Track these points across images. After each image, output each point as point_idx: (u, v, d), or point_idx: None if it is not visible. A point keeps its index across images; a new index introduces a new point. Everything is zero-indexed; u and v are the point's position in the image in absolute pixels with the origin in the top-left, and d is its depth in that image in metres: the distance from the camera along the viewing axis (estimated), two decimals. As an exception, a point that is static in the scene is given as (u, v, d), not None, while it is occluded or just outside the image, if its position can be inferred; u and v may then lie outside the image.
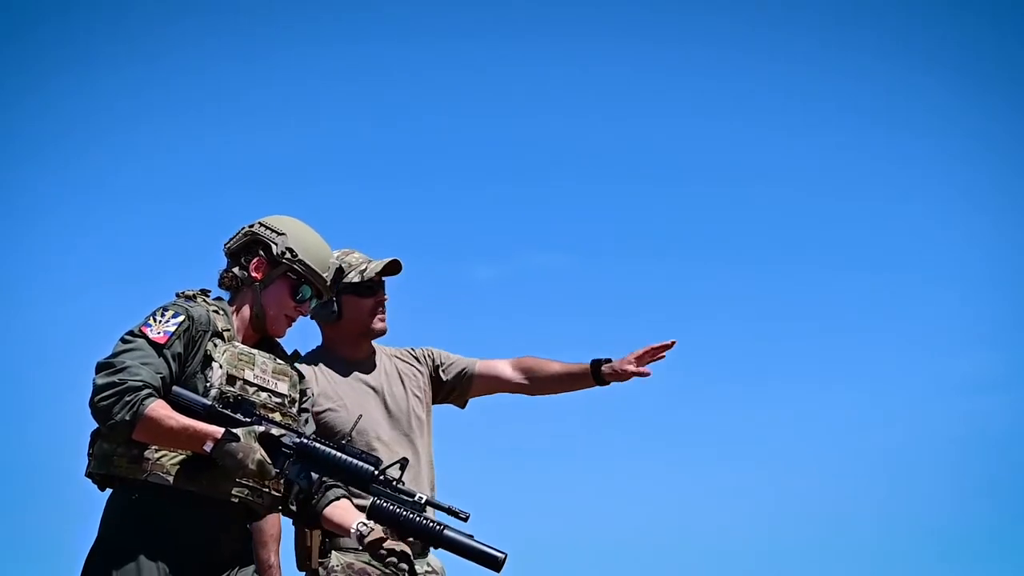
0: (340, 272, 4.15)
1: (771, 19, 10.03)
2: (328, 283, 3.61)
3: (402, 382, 4.29)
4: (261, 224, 3.56)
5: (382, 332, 4.26)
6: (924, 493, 9.04)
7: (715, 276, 10.01)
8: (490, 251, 9.85)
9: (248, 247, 3.54)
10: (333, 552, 4.00)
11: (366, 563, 3.98)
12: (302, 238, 3.56)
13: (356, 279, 4.18)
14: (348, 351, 4.26)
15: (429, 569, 4.12)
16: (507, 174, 10.32)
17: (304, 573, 4.06)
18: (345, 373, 4.23)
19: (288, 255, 3.51)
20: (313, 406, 4.05)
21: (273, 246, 3.51)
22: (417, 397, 4.29)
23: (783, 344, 9.95)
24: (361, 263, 4.22)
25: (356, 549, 3.94)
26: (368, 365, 4.28)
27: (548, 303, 9.85)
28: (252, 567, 3.49)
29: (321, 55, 9.90)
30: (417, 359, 4.38)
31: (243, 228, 3.58)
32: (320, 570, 4.00)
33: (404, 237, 9.48)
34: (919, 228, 10.03)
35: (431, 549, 4.12)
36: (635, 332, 9.80)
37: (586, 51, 10.15)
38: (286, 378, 3.53)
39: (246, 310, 3.54)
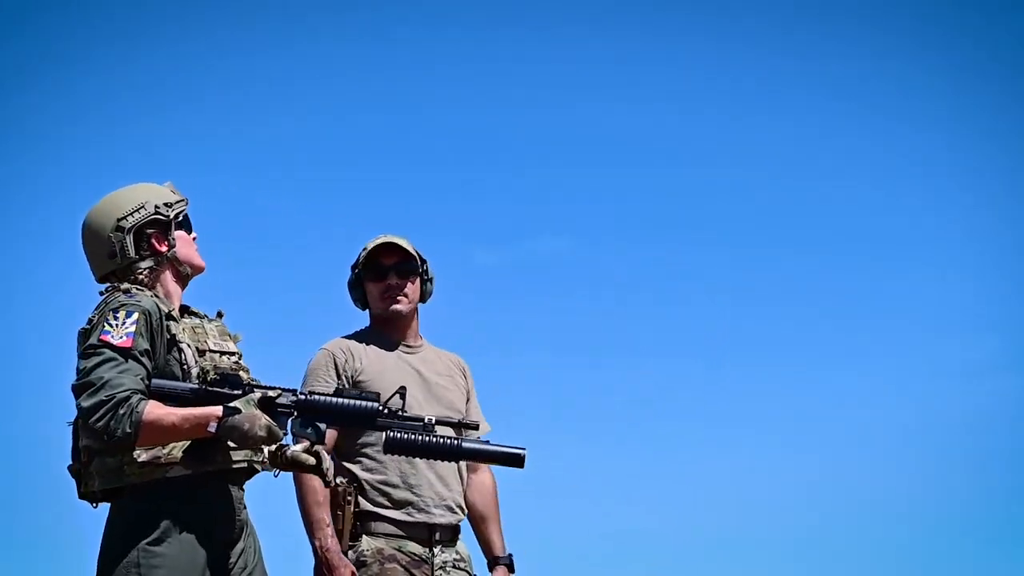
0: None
1: (773, 9, 10.00)
2: (182, 196, 3.55)
3: (447, 375, 4.29)
4: (121, 219, 3.42)
5: (396, 315, 4.24)
6: (927, 478, 9.05)
7: (718, 261, 9.98)
8: (490, 237, 9.82)
9: (136, 240, 3.43)
10: (364, 536, 4.01)
11: (396, 549, 4.01)
12: (151, 193, 3.48)
13: (359, 263, 4.25)
14: (389, 333, 4.26)
15: (458, 556, 4.15)
16: (507, 160, 10.28)
17: None
18: (390, 349, 4.23)
19: (167, 211, 3.46)
20: (358, 375, 4.11)
21: (158, 217, 3.44)
22: (459, 393, 4.30)
23: (786, 329, 9.93)
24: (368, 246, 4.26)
25: (387, 534, 4.00)
26: (414, 348, 4.28)
27: (550, 288, 9.82)
28: (252, 525, 3.50)
29: (324, 43, 9.85)
30: (463, 376, 4.37)
31: (109, 237, 3.41)
32: (350, 554, 3.98)
33: (404, 223, 9.42)
34: (922, 213, 10.01)
35: (459, 538, 4.20)
36: (638, 317, 9.82)
37: (587, 37, 10.10)
38: (228, 336, 3.55)
39: (170, 284, 3.48)
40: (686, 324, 9.92)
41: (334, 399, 3.36)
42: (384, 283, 4.22)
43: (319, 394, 3.38)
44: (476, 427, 3.47)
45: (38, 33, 8.82)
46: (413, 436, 3.36)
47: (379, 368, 4.16)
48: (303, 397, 3.34)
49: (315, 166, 10.00)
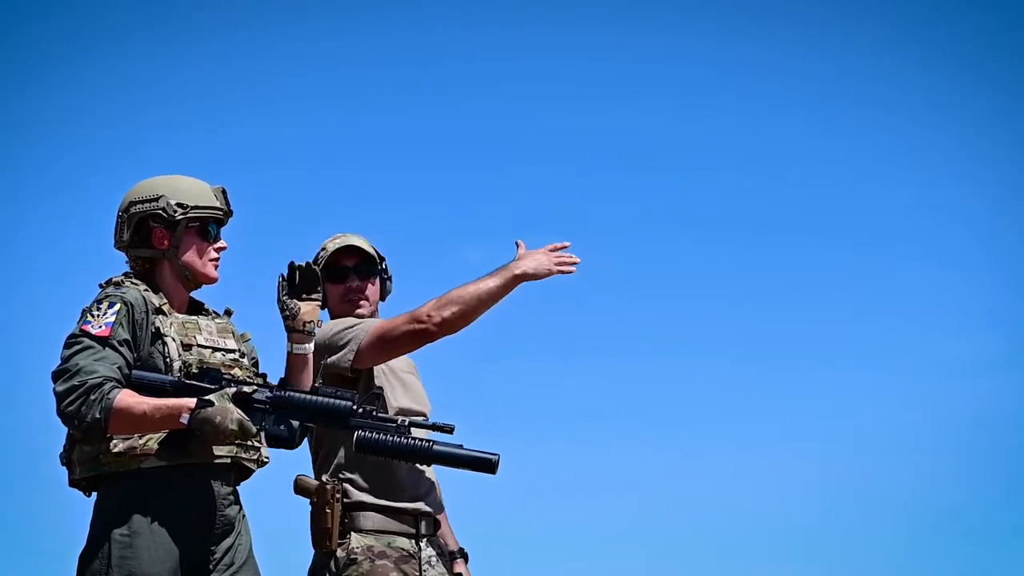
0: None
1: (765, 6, 10.00)
2: (224, 205, 3.56)
3: (409, 372, 4.20)
4: (133, 203, 3.49)
5: (358, 319, 4.14)
6: (928, 475, 9.02)
7: (714, 259, 9.99)
8: (480, 233, 9.82)
9: (139, 228, 3.49)
10: (352, 534, 3.94)
11: (386, 545, 3.95)
12: (179, 188, 3.50)
13: (318, 263, 4.12)
14: None
15: (439, 550, 4.10)
16: (497, 156, 10.30)
17: (318, 552, 3.99)
18: None
19: (180, 210, 3.47)
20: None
21: (163, 212, 3.46)
22: (423, 387, 4.23)
23: (785, 327, 9.92)
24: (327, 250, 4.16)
25: (375, 531, 3.94)
26: None
27: (539, 286, 9.81)
28: (247, 522, 3.50)
29: (313, 42, 9.88)
30: (418, 374, 4.30)
31: (120, 217, 3.51)
32: (339, 551, 3.92)
33: (395, 220, 9.45)
34: (924, 211, 9.99)
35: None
36: (625, 314, 9.81)
37: (579, 37, 10.11)
38: (229, 334, 3.55)
39: (169, 281, 3.51)
40: (678, 320, 9.97)
41: (308, 397, 3.36)
42: (344, 286, 4.15)
43: (295, 391, 3.38)
44: (451, 430, 3.39)
45: (37, 32, 8.84)
46: (384, 436, 3.32)
47: None
48: (279, 393, 3.34)
49: (308, 166, 10.03)
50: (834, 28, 9.84)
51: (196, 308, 3.59)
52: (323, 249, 4.20)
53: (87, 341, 3.26)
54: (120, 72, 9.24)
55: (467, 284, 3.92)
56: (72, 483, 3.38)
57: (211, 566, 3.36)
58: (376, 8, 10.03)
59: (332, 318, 4.19)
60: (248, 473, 3.51)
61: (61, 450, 3.40)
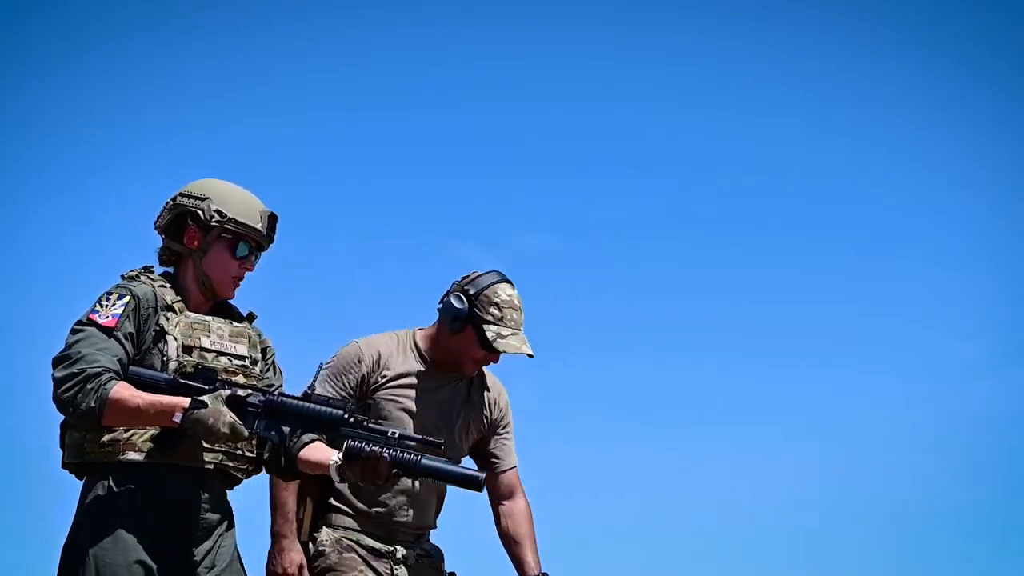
0: (467, 296, 4.07)
1: (756, 5, 9.99)
2: (265, 233, 3.55)
3: (467, 415, 4.21)
4: (183, 194, 3.52)
5: (468, 376, 4.18)
6: (927, 477, 9.01)
7: (706, 259, 9.99)
8: (479, 233, 9.83)
9: (177, 220, 3.51)
10: (324, 527, 4.02)
11: (355, 541, 4.01)
12: (227, 197, 3.51)
13: (491, 336, 4.05)
14: (439, 357, 4.15)
15: (423, 552, 4.14)
16: (496, 157, 10.30)
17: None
18: (426, 374, 4.12)
19: (217, 217, 3.48)
20: (381, 379, 4.04)
21: (201, 213, 3.48)
22: (468, 437, 4.22)
23: (783, 328, 9.91)
24: (509, 327, 4.06)
25: (345, 527, 4.00)
26: (452, 379, 4.18)
27: (537, 285, 9.83)
28: (234, 530, 3.49)
29: (313, 42, 9.88)
30: (491, 411, 4.27)
31: (167, 203, 3.54)
32: (309, 544, 4.00)
33: (395, 220, 9.46)
34: (923, 213, 9.99)
35: (429, 535, 4.19)
36: (624, 314, 9.81)
37: (576, 36, 10.11)
38: (244, 339, 3.53)
39: (190, 279, 3.51)
40: (673, 321, 9.97)
41: (301, 404, 3.35)
42: (485, 354, 4.10)
43: (288, 397, 3.37)
44: (440, 446, 3.37)
45: (37, 32, 8.83)
46: (372, 448, 3.30)
47: (406, 385, 4.09)
48: (272, 398, 3.34)
49: (308, 166, 10.03)
50: (834, 28, 9.84)
51: (221, 309, 3.58)
52: (495, 296, 4.08)
53: (92, 330, 3.28)
54: (120, 72, 9.24)
55: None
56: (63, 465, 3.40)
57: (195, 568, 3.36)
58: (376, 8, 10.04)
59: (446, 348, 4.13)
60: (233, 480, 3.50)
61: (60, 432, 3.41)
